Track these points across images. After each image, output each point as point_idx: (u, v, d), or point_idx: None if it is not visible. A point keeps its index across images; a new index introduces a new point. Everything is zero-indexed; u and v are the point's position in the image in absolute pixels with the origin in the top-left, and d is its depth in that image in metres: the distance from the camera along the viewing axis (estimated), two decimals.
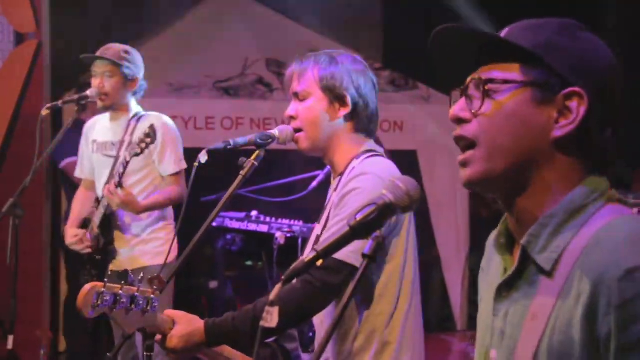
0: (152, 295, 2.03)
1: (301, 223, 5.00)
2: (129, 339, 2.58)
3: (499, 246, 1.42)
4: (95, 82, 4.10)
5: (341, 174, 2.44)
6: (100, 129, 4.29)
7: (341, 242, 1.46)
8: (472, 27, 1.33)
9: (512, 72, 1.32)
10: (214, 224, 5.42)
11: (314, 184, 5.34)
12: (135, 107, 4.22)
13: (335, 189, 2.42)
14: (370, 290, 2.29)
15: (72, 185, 5.36)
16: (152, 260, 4.15)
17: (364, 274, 1.42)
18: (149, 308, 2.00)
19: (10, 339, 3.74)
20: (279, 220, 5.10)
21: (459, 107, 1.35)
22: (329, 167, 5.57)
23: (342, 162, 2.44)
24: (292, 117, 2.47)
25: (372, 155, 2.42)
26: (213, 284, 6.09)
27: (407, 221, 2.36)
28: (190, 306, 5.87)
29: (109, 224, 4.19)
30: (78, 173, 4.44)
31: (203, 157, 2.59)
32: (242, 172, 2.55)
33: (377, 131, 2.55)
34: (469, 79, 1.35)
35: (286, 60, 6.82)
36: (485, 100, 1.32)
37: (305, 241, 4.87)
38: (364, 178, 2.31)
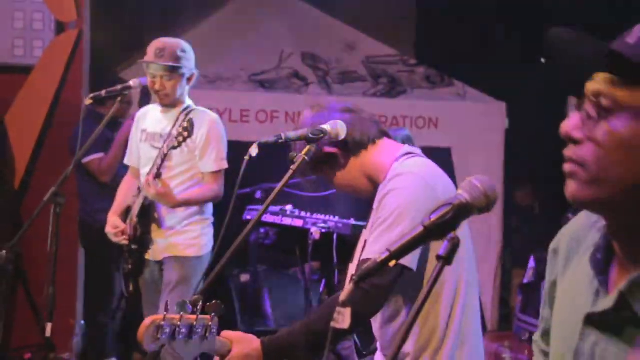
0: (210, 323, 2.01)
1: (336, 218, 4.96)
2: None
3: (595, 262, 1.32)
4: (153, 84, 4.08)
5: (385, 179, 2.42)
6: (151, 119, 4.28)
7: (415, 242, 1.42)
8: (592, 38, 1.20)
9: (636, 97, 1.18)
10: (248, 217, 5.41)
11: None
12: (188, 100, 4.22)
13: (379, 192, 2.41)
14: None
15: (90, 181, 5.39)
16: (185, 251, 4.15)
17: (438, 276, 1.37)
18: (207, 335, 1.98)
19: (49, 326, 3.73)
20: (314, 215, 5.05)
21: (572, 125, 1.24)
22: None
23: (383, 172, 2.43)
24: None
25: (410, 157, 2.41)
26: (244, 277, 6.06)
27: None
28: (219, 297, 5.88)
29: (147, 214, 4.19)
30: (127, 160, 4.45)
31: (254, 151, 2.58)
32: (293, 167, 2.52)
33: (382, 128, 2.57)
34: (586, 91, 1.22)
35: (322, 55, 6.80)
36: (601, 123, 1.20)
37: (340, 237, 4.84)
38: (400, 178, 2.30)
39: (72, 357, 5.80)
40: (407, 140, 5.29)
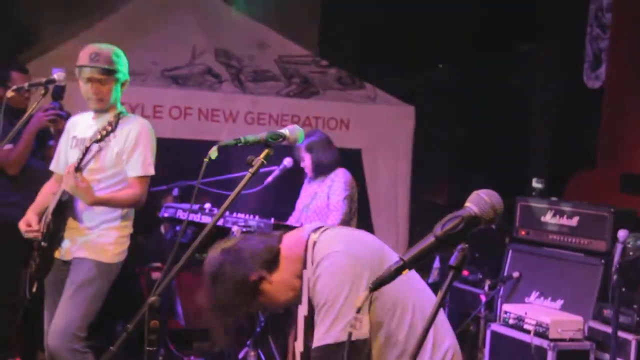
0: None
1: (257, 218, 4.97)
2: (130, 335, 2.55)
3: None
4: (87, 88, 4.01)
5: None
6: (82, 125, 4.20)
7: (428, 251, 1.49)
8: None
9: None
10: (166, 214, 5.36)
11: (270, 179, 5.35)
12: (120, 106, 4.17)
13: None
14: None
15: None
16: (97, 254, 4.09)
17: (450, 286, 1.44)
18: None
19: None
20: (235, 214, 5.05)
21: None
22: (283, 163, 5.57)
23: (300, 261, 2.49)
24: None
25: (320, 232, 2.50)
26: (155, 275, 6.00)
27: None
28: (130, 293, 5.79)
29: (63, 211, 4.11)
30: (53, 166, 4.34)
31: (213, 153, 2.59)
32: (251, 170, 2.55)
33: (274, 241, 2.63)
34: None
35: (235, 52, 6.78)
36: None
37: None
38: (323, 263, 2.37)
39: None
40: (324, 143, 5.38)
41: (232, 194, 2.57)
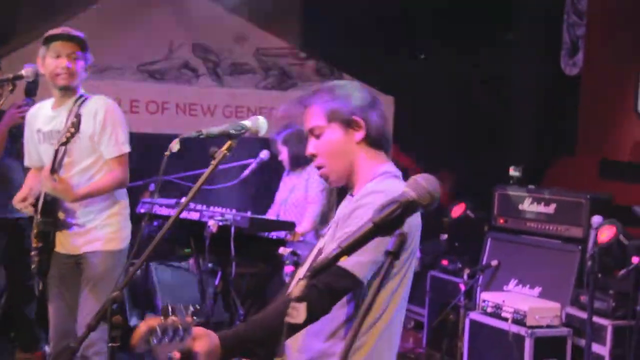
0: (191, 326, 2.02)
1: (234, 211, 4.97)
2: (92, 331, 2.55)
3: None
4: (58, 62, 3.96)
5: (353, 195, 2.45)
6: (43, 117, 4.14)
7: (365, 238, 1.50)
8: None
9: None
10: (142, 210, 5.36)
11: (246, 172, 5.35)
12: (81, 89, 4.12)
13: (346, 207, 2.43)
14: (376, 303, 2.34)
15: None
16: (106, 245, 4.07)
17: (388, 272, 1.46)
18: (185, 336, 2.00)
19: None
20: (211, 208, 5.05)
21: None
22: (260, 156, 5.55)
23: (360, 184, 2.44)
24: (313, 155, 2.47)
25: (385, 178, 2.43)
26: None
27: (416, 238, 2.43)
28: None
29: (51, 210, 4.05)
30: (27, 163, 4.30)
31: (175, 146, 2.60)
32: (214, 162, 2.56)
33: (390, 148, 2.54)
34: None
35: (212, 46, 6.79)
36: None
37: (237, 229, 4.86)
38: (375, 195, 2.31)
39: None
40: (300, 136, 5.38)
41: (195, 186, 2.58)
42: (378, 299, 2.34)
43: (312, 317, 2.21)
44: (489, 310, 5.25)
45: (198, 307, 2.05)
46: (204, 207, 5.07)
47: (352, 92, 2.46)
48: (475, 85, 7.61)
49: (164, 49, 6.64)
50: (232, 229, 4.81)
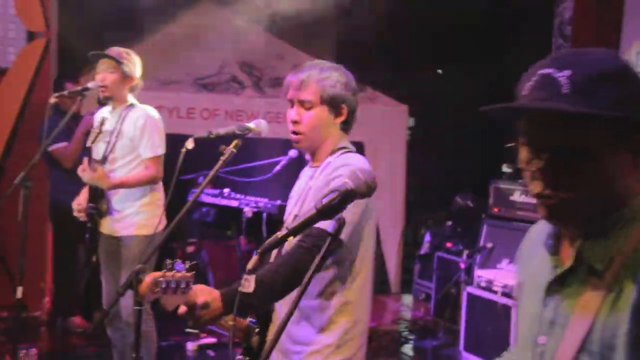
0: (191, 279, 2.01)
1: (266, 200, 4.99)
2: (121, 296, 2.56)
3: (549, 246, 1.34)
4: (98, 76, 4.04)
5: (318, 167, 2.40)
6: (100, 120, 4.20)
7: (308, 222, 1.47)
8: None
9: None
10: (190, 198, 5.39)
11: (278, 167, 5.34)
12: (131, 99, 4.15)
13: (312, 177, 2.39)
14: (349, 268, 2.29)
15: (58, 168, 5.32)
16: (140, 230, 4.09)
17: (328, 249, 1.42)
18: (187, 288, 1.98)
19: (19, 289, 3.67)
20: (247, 197, 5.07)
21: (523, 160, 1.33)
22: (289, 154, 5.54)
23: (322, 156, 2.40)
24: (295, 122, 2.40)
25: (346, 152, 2.40)
26: (190, 248, 6.05)
27: (374, 211, 2.37)
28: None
29: (96, 196, 4.11)
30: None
31: (190, 144, 2.59)
32: (223, 158, 2.54)
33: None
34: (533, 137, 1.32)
35: (255, 63, 6.79)
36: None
37: (269, 215, 4.87)
38: (346, 168, 2.27)
39: (42, 315, 5.72)
40: None
41: (207, 178, 2.58)
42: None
43: (302, 273, 2.15)
44: (483, 284, 5.16)
45: (195, 263, 2.03)
46: (242, 196, 5.09)
47: (347, 80, 2.40)
48: (479, 100, 7.45)
49: (216, 65, 6.66)
50: (264, 215, 4.83)
